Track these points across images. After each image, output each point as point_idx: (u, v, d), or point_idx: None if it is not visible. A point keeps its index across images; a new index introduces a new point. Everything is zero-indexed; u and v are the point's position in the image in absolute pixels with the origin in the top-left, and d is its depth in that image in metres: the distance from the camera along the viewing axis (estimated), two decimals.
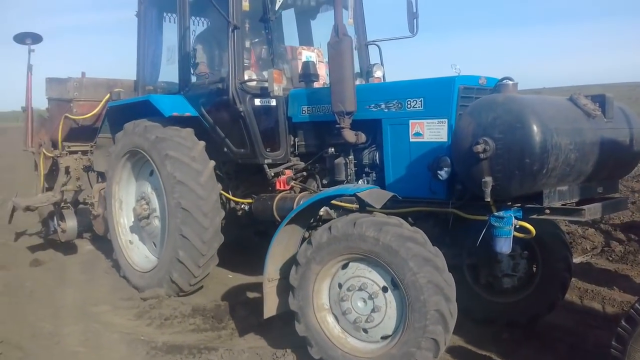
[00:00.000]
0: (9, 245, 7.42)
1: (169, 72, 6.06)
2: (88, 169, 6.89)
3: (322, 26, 6.18)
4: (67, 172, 6.73)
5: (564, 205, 3.47)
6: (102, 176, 6.58)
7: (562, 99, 3.56)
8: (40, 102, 7.30)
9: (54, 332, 4.58)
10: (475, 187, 3.33)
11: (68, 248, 7.02)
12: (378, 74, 5.83)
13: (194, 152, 5.14)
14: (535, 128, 3.06)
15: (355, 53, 5.99)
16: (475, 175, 3.27)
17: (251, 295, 5.37)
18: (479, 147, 3.17)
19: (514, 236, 3.45)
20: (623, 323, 2.74)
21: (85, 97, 6.53)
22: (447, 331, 3.35)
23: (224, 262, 5.72)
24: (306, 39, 6.24)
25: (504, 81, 3.48)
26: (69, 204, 6.89)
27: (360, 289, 3.58)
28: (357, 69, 6.05)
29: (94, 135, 6.56)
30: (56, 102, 6.77)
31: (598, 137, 3.43)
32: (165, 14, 6.19)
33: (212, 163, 5.20)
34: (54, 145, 6.86)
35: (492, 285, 4.64)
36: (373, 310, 3.55)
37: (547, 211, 3.43)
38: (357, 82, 5.78)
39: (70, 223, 6.63)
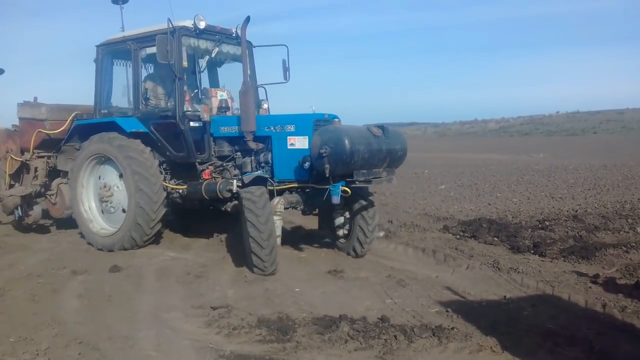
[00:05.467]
0: (91, 252, 8.21)
1: (118, 100, 8.80)
2: (50, 169, 9.24)
3: (226, 72, 9.24)
4: (35, 171, 9.06)
5: (365, 179, 6.96)
6: (62, 173, 9.01)
7: (361, 127, 7.10)
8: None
9: (129, 335, 4.81)
10: (322, 171, 6.70)
11: (145, 256, 7.79)
12: (265, 106, 9.07)
13: (144, 154, 7.97)
14: (347, 142, 6.51)
15: None
16: (322, 165, 6.65)
17: (314, 309, 5.51)
18: (322, 150, 6.56)
19: (341, 195, 6.91)
20: None
21: (54, 118, 8.94)
22: None
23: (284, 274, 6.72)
24: (214, 82, 9.26)
25: (334, 118, 6.99)
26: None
27: None
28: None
29: (58, 144, 8.98)
30: (28, 120, 9.05)
31: (379, 146, 6.98)
32: (115, 61, 8.86)
33: (157, 160, 8.07)
34: (22, 152, 9.11)
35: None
36: None
37: (357, 182, 6.89)
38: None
39: (37, 209, 8.95)
